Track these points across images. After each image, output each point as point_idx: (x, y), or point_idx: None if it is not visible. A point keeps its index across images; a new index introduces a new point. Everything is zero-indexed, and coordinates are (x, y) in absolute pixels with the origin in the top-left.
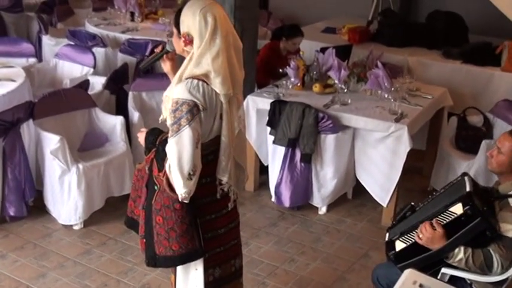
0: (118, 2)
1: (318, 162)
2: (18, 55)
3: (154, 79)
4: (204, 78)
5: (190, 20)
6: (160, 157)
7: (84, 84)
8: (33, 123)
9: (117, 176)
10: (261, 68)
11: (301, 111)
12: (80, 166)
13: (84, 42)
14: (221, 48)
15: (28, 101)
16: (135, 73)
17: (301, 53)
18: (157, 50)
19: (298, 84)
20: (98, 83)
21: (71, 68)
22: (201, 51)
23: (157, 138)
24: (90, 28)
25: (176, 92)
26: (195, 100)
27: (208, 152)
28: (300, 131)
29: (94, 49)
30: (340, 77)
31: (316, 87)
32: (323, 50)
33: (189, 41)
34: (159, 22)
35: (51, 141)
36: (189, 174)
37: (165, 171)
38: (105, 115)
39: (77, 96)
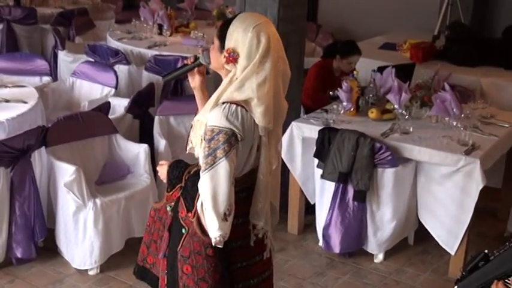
0: (144, 13)
1: (374, 201)
2: (31, 73)
3: (184, 102)
4: (243, 104)
5: (240, 35)
6: (190, 195)
7: (105, 107)
8: (46, 151)
9: (140, 213)
10: (308, 90)
11: (355, 141)
12: (98, 201)
13: (105, 58)
14: (269, 75)
15: (40, 125)
16: (162, 94)
17: (355, 73)
18: (188, 61)
19: (352, 109)
20: (119, 105)
21: (90, 88)
22: (246, 74)
23: (184, 172)
24: (112, 42)
25: (212, 118)
26: (234, 129)
27: (240, 189)
28: (353, 164)
29: (116, 67)
30: (400, 101)
31: (373, 113)
32: (381, 70)
33: (233, 58)
34: (190, 36)
35: (66, 172)
36: (225, 214)
37: (195, 212)
38: (127, 143)
39: (95, 120)
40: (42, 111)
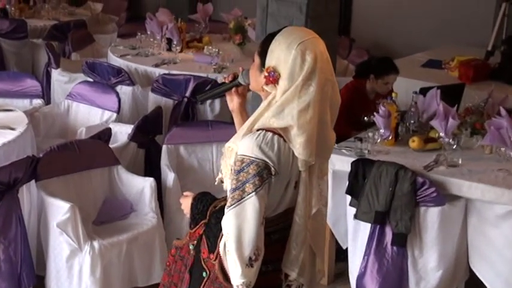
0: (151, 25)
1: (416, 246)
2: (20, 95)
3: (197, 128)
4: (281, 133)
5: (283, 53)
6: (213, 233)
7: (105, 134)
8: (36, 186)
9: (144, 258)
10: (339, 115)
11: (394, 175)
12: (96, 244)
13: (105, 78)
14: (314, 100)
15: (30, 156)
16: (171, 120)
17: (393, 95)
18: (226, 79)
19: (390, 137)
20: (122, 132)
21: (88, 112)
22: (287, 98)
23: (209, 206)
24: (114, 60)
25: (243, 147)
26: (267, 160)
27: (272, 230)
28: (392, 202)
29: (118, 88)
30: (447, 128)
31: (414, 142)
32: (423, 91)
33: (273, 78)
34: (204, 52)
35: (59, 209)
36: (250, 259)
37: (218, 254)
38: (130, 176)
39: (94, 150)
40: (33, 139)
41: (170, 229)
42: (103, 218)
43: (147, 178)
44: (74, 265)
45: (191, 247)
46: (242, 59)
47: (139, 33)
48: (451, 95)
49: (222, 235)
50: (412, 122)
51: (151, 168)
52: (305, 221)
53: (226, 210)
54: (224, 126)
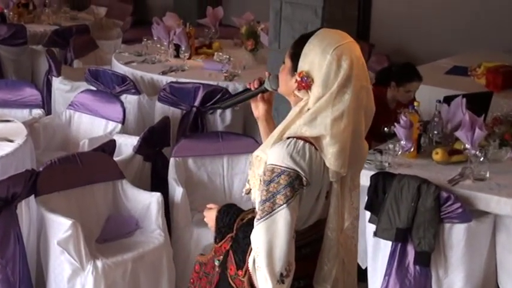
0: (158, 30)
1: (441, 265)
2: (18, 105)
3: (207, 140)
4: (313, 141)
5: (317, 58)
6: (241, 248)
7: (109, 146)
8: (36, 201)
9: (150, 278)
10: None
11: (416, 189)
12: (99, 264)
13: (109, 87)
14: (348, 108)
15: (29, 169)
16: (179, 131)
17: (415, 104)
18: (252, 85)
19: (412, 149)
20: (127, 144)
21: (91, 123)
22: (320, 105)
23: (236, 219)
24: (119, 67)
25: (273, 156)
26: (298, 170)
27: (303, 244)
28: (414, 219)
29: (123, 97)
30: (473, 140)
31: (438, 154)
32: (448, 100)
33: (306, 84)
34: (214, 59)
35: (60, 226)
36: (281, 275)
37: (247, 270)
38: (135, 191)
39: (97, 163)
40: (32, 151)
41: (178, 247)
42: (107, 235)
43: (153, 193)
44: (76, 286)
45: (217, 263)
46: (254, 66)
47: (145, 39)
48: (478, 103)
49: (251, 250)
50: (435, 132)
51: (158, 183)
52: (337, 235)
53: (255, 223)
54: (235, 137)
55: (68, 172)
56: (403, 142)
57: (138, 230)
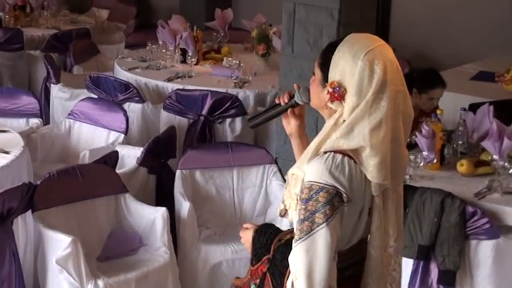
0: (163, 34)
1: (467, 285)
2: (15, 114)
3: (215, 151)
4: (351, 154)
5: (348, 65)
6: (279, 271)
7: (111, 158)
8: (33, 217)
9: None
10: None
11: (439, 204)
12: (100, 283)
13: (112, 94)
14: (386, 115)
15: (26, 183)
16: (185, 141)
17: (438, 112)
18: (282, 99)
19: (435, 160)
20: (130, 156)
21: (92, 133)
22: (356, 116)
23: (274, 240)
24: (122, 73)
25: (310, 172)
26: (338, 186)
27: (346, 265)
28: (437, 235)
29: (126, 105)
30: (501, 150)
31: (463, 166)
32: (474, 108)
33: (338, 95)
34: (223, 65)
35: (59, 244)
36: None
37: None
38: (139, 205)
39: (99, 176)
40: (29, 163)
41: (185, 266)
42: (109, 253)
43: (158, 208)
44: None
45: (253, 287)
46: (266, 72)
47: (149, 44)
48: (506, 111)
49: (289, 273)
50: (460, 143)
51: (163, 197)
52: (381, 253)
53: (293, 244)
54: (246, 148)
55: (67, 186)
56: (425, 153)
57: (142, 247)
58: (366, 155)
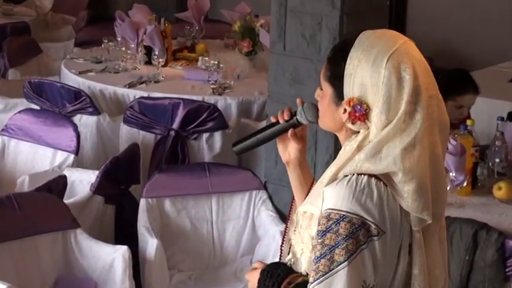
0: (122, 29)
1: None
2: None
3: (188, 174)
4: (379, 175)
5: (368, 76)
6: None
7: (57, 184)
8: None
9: None
10: None
11: (471, 237)
12: None
13: (58, 105)
14: (421, 131)
15: None
16: (151, 163)
17: (469, 122)
18: (280, 118)
19: (465, 183)
20: (82, 181)
21: (33, 153)
22: (386, 135)
23: (283, 282)
24: (71, 78)
25: (328, 198)
26: (364, 215)
27: None
28: (470, 276)
29: (77, 118)
30: None
31: (501, 190)
32: None
33: (361, 115)
34: (198, 66)
35: None
36: None
37: None
38: (94, 244)
39: (42, 207)
40: None
41: None
42: None
43: (118, 246)
44: None
45: None
46: (252, 74)
47: (105, 40)
48: None
49: None
50: (497, 161)
51: (124, 232)
52: None
53: (309, 287)
54: (228, 170)
55: (1, 220)
56: (452, 174)
57: None
58: (399, 181)
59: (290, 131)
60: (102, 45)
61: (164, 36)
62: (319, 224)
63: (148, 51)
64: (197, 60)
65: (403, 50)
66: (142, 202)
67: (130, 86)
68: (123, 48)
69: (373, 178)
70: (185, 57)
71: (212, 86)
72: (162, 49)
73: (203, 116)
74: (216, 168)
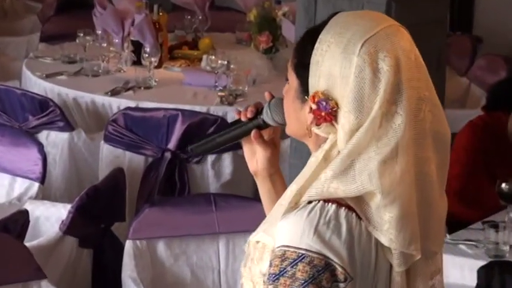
0: (103, 19)
1: None
2: None
3: (189, 208)
4: (351, 204)
5: (338, 64)
6: None
7: (17, 222)
8: None
9: None
10: (456, 179)
11: None
12: None
13: (18, 118)
14: (404, 137)
15: None
16: (140, 194)
17: None
18: (242, 115)
19: None
20: (50, 218)
21: None
22: (358, 143)
23: None
24: (35, 83)
25: (284, 232)
26: (329, 255)
27: None
28: None
29: (43, 135)
30: None
31: None
32: None
33: (327, 113)
34: (201, 67)
35: None
36: None
37: None
38: None
39: None
40: None
41: None
42: None
43: None
44: None
45: None
46: (272, 77)
47: (81, 34)
48: None
49: None
50: None
51: (104, 284)
52: None
53: None
54: (240, 204)
55: None
56: None
57: None
58: (376, 205)
59: (253, 133)
60: (77, 40)
61: (158, 28)
62: (271, 265)
63: (137, 47)
64: (200, 60)
65: (385, 35)
66: (129, 245)
67: (114, 93)
68: (104, 44)
69: (343, 208)
70: (185, 56)
71: (220, 94)
72: (154, 45)
73: (208, 132)
74: (225, 201)
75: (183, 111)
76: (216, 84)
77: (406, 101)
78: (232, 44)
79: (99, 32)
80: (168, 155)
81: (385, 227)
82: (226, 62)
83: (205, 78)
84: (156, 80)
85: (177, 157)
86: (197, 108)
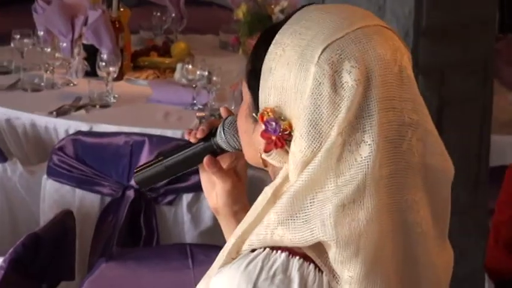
0: (47, 17)
1: None
2: None
3: (159, 263)
4: (308, 253)
5: (292, 75)
6: None
7: None
8: None
9: None
10: (506, 224)
11: None
12: None
13: None
14: (375, 177)
15: None
16: (95, 243)
17: None
18: (192, 136)
19: None
20: None
21: None
22: (310, 178)
23: None
24: None
25: None
26: None
27: None
28: None
29: None
30: None
31: None
32: None
33: (278, 137)
34: (174, 79)
35: None
36: None
37: None
38: None
39: None
40: None
41: None
42: None
43: None
44: None
45: None
46: None
47: (17, 36)
48: None
49: None
50: None
51: None
52: None
53: None
54: None
55: None
56: None
57: None
58: (334, 260)
59: (205, 160)
60: (12, 44)
61: (118, 29)
62: None
63: (91, 54)
64: (173, 70)
65: (356, 37)
66: None
67: (60, 113)
68: (48, 50)
69: (297, 258)
70: (153, 65)
71: (199, 114)
72: (113, 51)
73: (156, 153)
74: (205, 254)
75: (150, 136)
76: (194, 101)
77: (379, 127)
78: (215, 50)
79: (41, 33)
80: (130, 193)
81: (346, 287)
82: (206, 73)
83: (180, 94)
84: (116, 95)
85: (142, 196)
86: (169, 133)
